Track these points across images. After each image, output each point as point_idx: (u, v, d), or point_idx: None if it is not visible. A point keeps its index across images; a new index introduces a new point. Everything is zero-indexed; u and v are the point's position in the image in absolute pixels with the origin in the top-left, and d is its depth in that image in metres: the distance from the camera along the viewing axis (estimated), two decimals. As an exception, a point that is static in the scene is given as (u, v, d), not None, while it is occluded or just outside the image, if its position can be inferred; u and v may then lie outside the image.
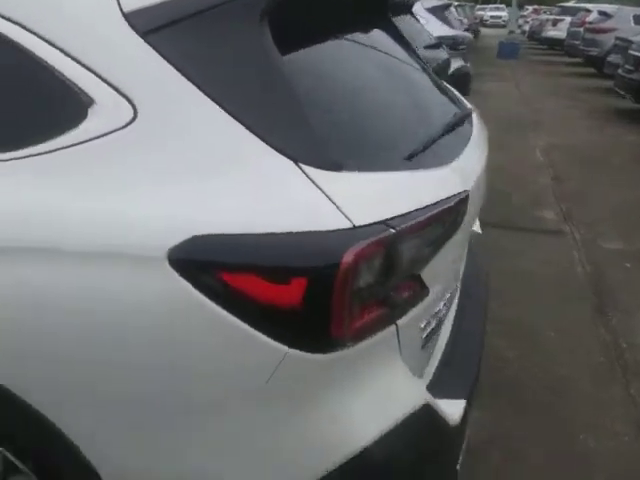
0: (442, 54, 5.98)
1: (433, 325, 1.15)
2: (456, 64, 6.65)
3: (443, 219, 1.02)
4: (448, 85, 1.76)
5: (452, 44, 6.97)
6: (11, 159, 0.97)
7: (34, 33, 0.96)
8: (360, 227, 0.87)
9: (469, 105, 1.69)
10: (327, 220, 0.86)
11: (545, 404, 2.16)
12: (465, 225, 1.20)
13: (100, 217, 0.91)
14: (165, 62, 0.92)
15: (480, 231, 2.13)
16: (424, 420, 1.05)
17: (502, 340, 2.48)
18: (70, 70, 0.95)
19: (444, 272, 1.15)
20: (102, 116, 0.94)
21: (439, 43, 5.94)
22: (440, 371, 1.30)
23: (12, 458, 1.07)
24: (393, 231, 0.89)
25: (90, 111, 0.94)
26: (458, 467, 1.28)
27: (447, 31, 7.53)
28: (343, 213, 0.87)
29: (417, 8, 6.19)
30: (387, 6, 1.57)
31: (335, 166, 0.92)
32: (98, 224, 0.91)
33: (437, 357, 1.32)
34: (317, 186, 0.88)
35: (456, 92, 1.76)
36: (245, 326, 0.86)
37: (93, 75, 0.94)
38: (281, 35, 0.97)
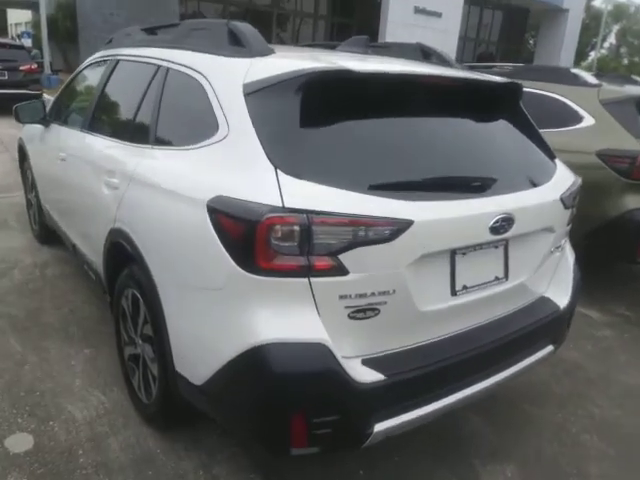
0: None
1: (361, 304, 1.63)
2: None
3: (360, 226, 1.55)
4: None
5: None
6: (186, 150, 1.97)
7: (210, 85, 1.94)
8: (286, 207, 1.53)
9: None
10: (271, 199, 1.55)
11: None
12: (412, 247, 1.64)
13: (199, 179, 1.82)
14: (246, 109, 1.76)
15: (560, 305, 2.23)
16: (314, 353, 1.58)
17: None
18: (217, 108, 1.87)
19: (372, 269, 1.62)
20: (219, 133, 1.84)
21: None
22: (389, 354, 1.75)
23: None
24: (306, 216, 1.51)
25: (217, 130, 1.85)
26: (370, 431, 1.68)
27: None
28: (282, 198, 1.54)
29: None
30: None
31: (297, 175, 1.59)
32: (194, 182, 1.82)
33: (395, 345, 1.78)
34: (278, 183, 1.57)
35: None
36: (220, 244, 1.62)
37: (222, 112, 1.85)
38: (306, 101, 1.69)
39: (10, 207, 5.36)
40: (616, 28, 38.96)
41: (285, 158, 1.63)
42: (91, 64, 3.46)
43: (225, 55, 2.01)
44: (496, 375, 2.01)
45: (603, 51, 37.05)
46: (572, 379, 3.02)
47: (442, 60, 2.54)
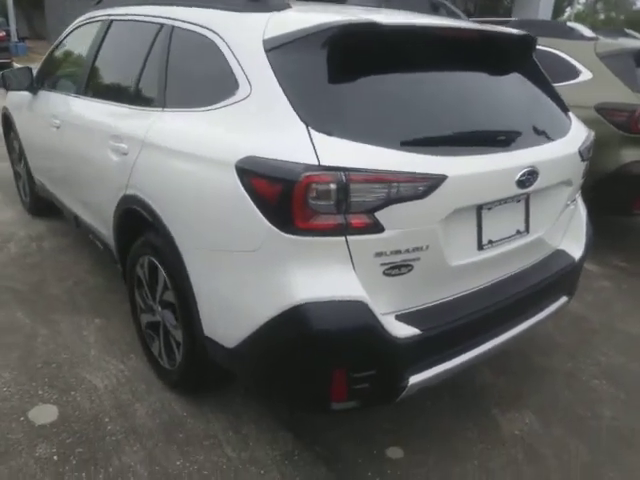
0: None
1: (396, 261, 1.64)
2: None
3: (396, 183, 1.54)
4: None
5: None
6: (202, 111, 1.91)
7: (225, 42, 1.87)
8: (322, 166, 1.50)
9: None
10: (307, 157, 1.52)
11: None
12: (445, 202, 1.64)
13: (223, 140, 1.76)
14: (269, 66, 1.70)
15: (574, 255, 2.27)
16: (354, 310, 1.58)
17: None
18: (236, 66, 1.82)
19: (407, 225, 1.62)
20: (240, 92, 1.78)
21: None
22: (421, 309, 1.78)
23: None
24: (343, 174, 1.49)
25: (237, 88, 1.79)
26: (405, 384, 1.71)
27: None
28: (317, 156, 1.51)
29: None
30: None
31: (328, 133, 1.55)
32: (217, 143, 1.77)
33: (426, 300, 1.80)
34: (311, 141, 1.54)
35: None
36: (253, 206, 1.59)
37: (241, 70, 1.79)
38: (335, 57, 1.64)
39: (-6, 180, 5.21)
40: (593, -18, 38.67)
41: (315, 115, 1.59)
42: (80, 26, 3.31)
43: (238, 10, 1.94)
44: (519, 325, 2.06)
45: (579, 6, 36.82)
46: (577, 329, 3.11)
47: (451, 13, 2.49)
